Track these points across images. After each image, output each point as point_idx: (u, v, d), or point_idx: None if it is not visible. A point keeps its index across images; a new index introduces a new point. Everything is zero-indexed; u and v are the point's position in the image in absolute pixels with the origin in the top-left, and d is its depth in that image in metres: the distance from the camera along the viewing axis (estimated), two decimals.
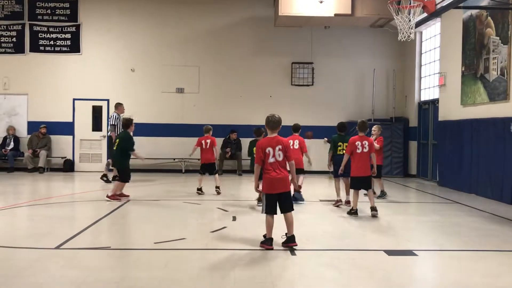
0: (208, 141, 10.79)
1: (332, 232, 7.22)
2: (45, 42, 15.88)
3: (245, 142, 15.56)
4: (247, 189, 11.96)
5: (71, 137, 15.95)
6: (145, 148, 15.84)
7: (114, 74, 16.04)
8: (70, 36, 15.90)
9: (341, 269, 5.11)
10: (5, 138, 15.55)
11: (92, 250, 5.81)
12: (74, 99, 15.95)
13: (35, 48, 15.86)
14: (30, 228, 7.33)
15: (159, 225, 7.45)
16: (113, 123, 12.53)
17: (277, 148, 5.85)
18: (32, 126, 15.75)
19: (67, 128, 15.91)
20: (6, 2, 15.77)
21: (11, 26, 15.81)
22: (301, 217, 8.32)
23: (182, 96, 16.14)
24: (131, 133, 9.75)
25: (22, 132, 15.86)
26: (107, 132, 13.79)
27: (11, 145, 15.48)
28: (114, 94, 16.01)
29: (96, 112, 16.06)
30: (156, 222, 7.70)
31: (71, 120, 15.94)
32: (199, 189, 10.65)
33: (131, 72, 16.04)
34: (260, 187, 6.04)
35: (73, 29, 15.89)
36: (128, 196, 9.79)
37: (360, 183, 8.12)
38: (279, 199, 5.88)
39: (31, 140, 15.47)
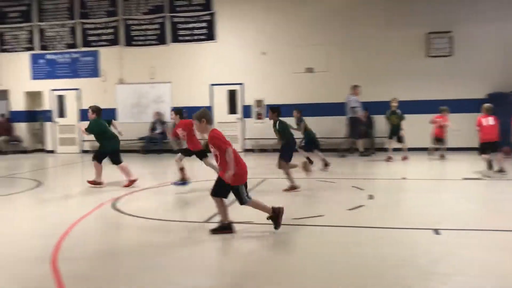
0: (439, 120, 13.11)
1: (478, 211, 6.80)
2: (184, 32, 17.05)
3: (377, 119, 15.15)
4: (382, 167, 11.71)
5: None
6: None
7: (247, 59, 16.64)
8: (206, 25, 16.85)
9: (491, 249, 4.81)
10: (153, 123, 17.14)
11: (236, 224, 6.19)
12: (211, 85, 16.93)
13: (175, 38, 17.12)
14: (181, 203, 8.04)
15: (296, 202, 7.66)
16: (353, 106, 13.75)
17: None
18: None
19: None
20: None
21: (154, 19, 17.25)
22: (444, 196, 7.96)
23: (312, 76, 16.19)
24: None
25: (168, 117, 17.32)
26: (348, 114, 14.38)
27: (159, 129, 17.01)
28: (247, 78, 16.67)
29: (232, 96, 16.89)
30: (293, 199, 7.92)
31: (209, 105, 16.97)
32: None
33: (263, 56, 16.49)
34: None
35: (208, 17, 16.80)
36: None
37: (488, 147, 9.81)
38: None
39: (174, 125, 16.83)
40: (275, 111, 8.60)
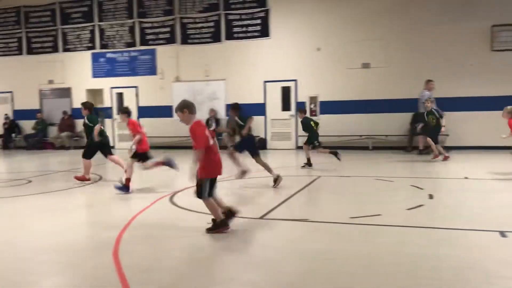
0: None
1: None
2: (238, 29, 17.16)
3: None
4: (442, 166, 11.30)
5: (263, 117, 17.03)
6: (332, 125, 16.08)
7: (301, 55, 16.52)
8: (260, 22, 16.87)
9: None
10: (208, 120, 17.35)
11: (291, 221, 6.16)
12: (264, 82, 16.95)
13: (230, 36, 17.26)
14: (236, 199, 8.07)
15: (352, 200, 7.53)
16: (424, 101, 13.26)
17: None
18: (229, 109, 17.24)
19: (259, 109, 17.00)
20: None
21: (209, 17, 17.46)
22: (505, 196, 7.57)
23: (367, 71, 15.84)
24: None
25: (222, 114, 17.52)
26: (419, 110, 14.00)
27: (213, 126, 17.22)
28: (301, 74, 16.56)
29: (285, 93, 16.84)
30: (350, 197, 7.79)
31: (263, 102, 17.00)
32: None
33: (317, 52, 16.31)
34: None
35: (263, 14, 16.81)
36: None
37: None
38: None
39: (228, 122, 17.03)
40: (235, 108, 9.41)
